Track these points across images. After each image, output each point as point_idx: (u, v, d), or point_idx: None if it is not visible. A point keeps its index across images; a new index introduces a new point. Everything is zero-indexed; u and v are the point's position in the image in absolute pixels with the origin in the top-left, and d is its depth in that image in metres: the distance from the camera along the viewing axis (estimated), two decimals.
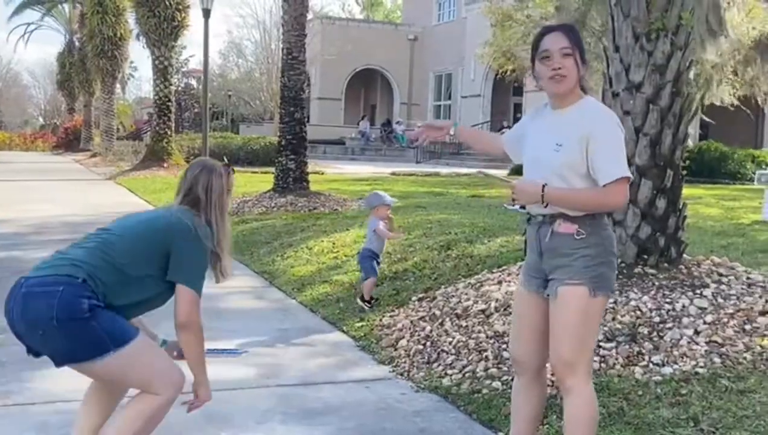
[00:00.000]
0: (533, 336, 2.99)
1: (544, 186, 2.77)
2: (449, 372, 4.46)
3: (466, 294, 5.52)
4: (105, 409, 2.97)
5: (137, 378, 2.80)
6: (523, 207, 2.93)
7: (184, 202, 3.01)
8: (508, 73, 20.38)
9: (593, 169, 2.77)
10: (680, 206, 5.34)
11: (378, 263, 6.08)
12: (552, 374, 4.02)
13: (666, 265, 5.17)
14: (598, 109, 2.89)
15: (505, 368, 4.25)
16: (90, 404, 2.99)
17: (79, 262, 2.75)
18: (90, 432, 2.94)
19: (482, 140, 3.34)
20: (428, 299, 5.76)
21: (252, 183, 16.11)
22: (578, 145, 2.76)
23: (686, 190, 5.79)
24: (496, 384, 4.15)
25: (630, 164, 3.13)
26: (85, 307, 2.65)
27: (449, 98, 41.64)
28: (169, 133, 23.70)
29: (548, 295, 2.86)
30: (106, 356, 2.68)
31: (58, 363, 2.73)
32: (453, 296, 5.60)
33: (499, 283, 5.57)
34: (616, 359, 4.17)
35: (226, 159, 3.19)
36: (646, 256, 5.16)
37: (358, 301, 5.96)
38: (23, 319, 2.67)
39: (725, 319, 4.49)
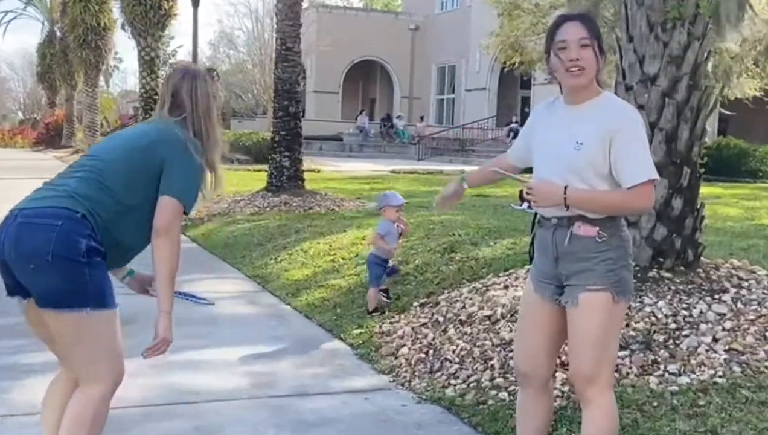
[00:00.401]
0: (542, 346, 2.97)
1: (565, 188, 2.76)
2: (453, 382, 4.46)
3: (471, 299, 5.52)
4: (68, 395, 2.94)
5: (92, 348, 2.78)
6: (530, 207, 2.92)
7: (167, 112, 2.97)
8: (516, 65, 20.36)
9: (617, 170, 2.76)
10: (698, 206, 5.34)
11: (386, 269, 6.02)
12: (562, 385, 4.02)
13: (682, 268, 5.17)
14: (621, 106, 2.88)
15: (512, 378, 4.25)
16: (55, 394, 2.98)
17: (78, 195, 2.75)
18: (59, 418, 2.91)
19: (490, 172, 3.28)
20: (430, 305, 5.76)
21: (244, 181, 16.12)
22: (600, 144, 2.75)
23: (704, 189, 5.78)
24: (503, 395, 4.15)
25: None
26: (83, 248, 2.68)
27: (453, 92, 41.66)
28: None
29: (566, 303, 2.85)
30: (82, 310, 2.69)
31: (42, 304, 2.73)
32: (457, 302, 5.60)
33: (506, 287, 5.57)
34: (630, 368, 4.17)
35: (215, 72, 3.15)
36: (661, 259, 5.16)
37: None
38: (16, 250, 2.67)
39: (745, 326, 4.49)
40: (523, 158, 3.09)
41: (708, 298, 4.78)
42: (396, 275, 6.18)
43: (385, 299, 5.95)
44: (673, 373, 4.10)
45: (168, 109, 2.97)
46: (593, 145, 2.76)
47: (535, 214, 3.00)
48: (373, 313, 5.84)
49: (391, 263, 6.10)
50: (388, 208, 6.01)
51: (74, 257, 2.67)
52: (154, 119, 3.01)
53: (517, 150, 3.14)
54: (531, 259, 3.06)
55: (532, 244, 3.05)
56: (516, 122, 34.43)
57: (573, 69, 2.78)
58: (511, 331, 4.76)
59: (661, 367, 4.16)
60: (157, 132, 2.90)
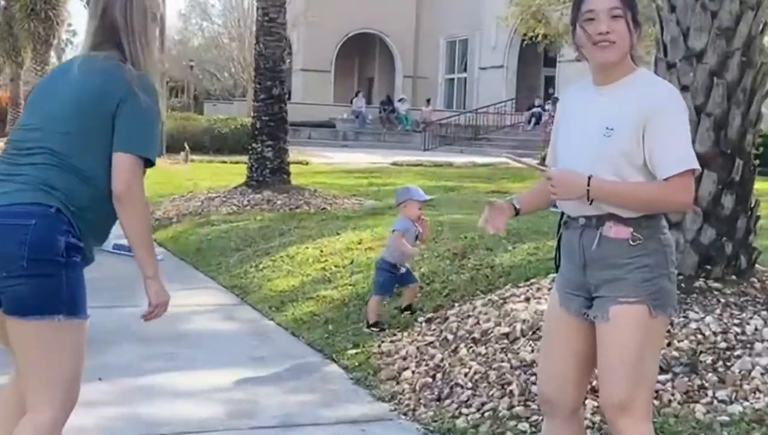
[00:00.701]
0: (570, 369, 2.98)
1: (589, 178, 2.76)
2: (465, 411, 4.46)
3: (486, 314, 5.53)
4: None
5: (55, 364, 2.80)
6: (555, 205, 2.92)
7: (97, 40, 2.94)
8: (539, 38, 20.42)
9: (651, 159, 2.77)
10: (752, 204, 5.34)
11: (395, 275, 6.01)
12: (593, 414, 4.02)
13: (734, 277, 5.17)
14: (658, 85, 2.89)
15: (534, 406, 4.25)
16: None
17: (46, 186, 2.77)
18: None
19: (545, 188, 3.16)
20: (438, 320, 5.77)
21: (219, 175, 16.14)
22: (634, 129, 2.76)
23: (759, 184, 5.79)
24: (523, 426, 4.16)
25: None
26: (61, 246, 2.73)
27: (464, 70, 41.70)
28: None
29: (594, 317, 2.85)
30: (53, 318, 2.74)
31: (10, 311, 2.76)
32: (469, 316, 5.60)
33: (527, 300, 5.58)
34: (673, 395, 4.17)
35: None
36: (709, 267, 5.16)
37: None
38: None
39: None
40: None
41: (764, 313, 4.78)
42: (413, 286, 6.15)
43: (373, 329, 5.90)
44: (722, 401, 4.10)
45: (94, 32, 2.95)
46: (626, 130, 2.77)
47: (562, 213, 3.00)
48: (373, 328, 5.85)
49: (403, 269, 6.09)
50: (410, 204, 6.01)
51: (52, 257, 2.72)
52: (83, 57, 2.96)
53: (555, 151, 3.09)
54: (557, 267, 3.06)
55: (558, 249, 3.05)
56: (539, 106, 34.46)
57: (602, 43, 2.78)
58: (533, 350, 4.76)
59: (709, 393, 4.17)
60: (99, 73, 2.88)
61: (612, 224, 2.81)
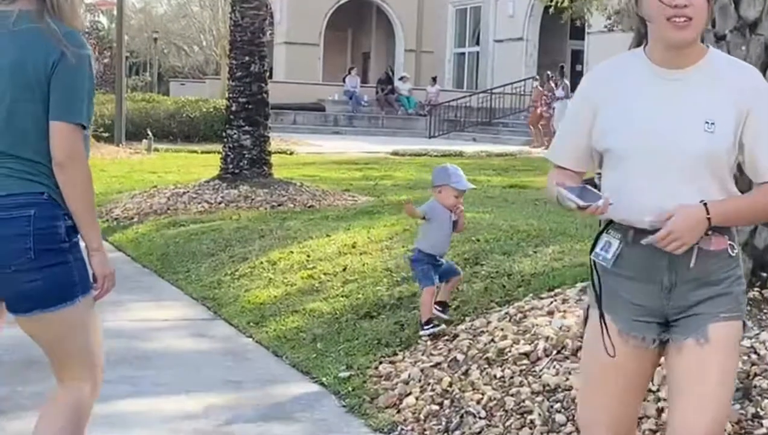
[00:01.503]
0: (633, 404, 2.95)
1: (706, 206, 2.67)
2: None
3: (502, 330, 5.53)
4: None
5: (84, 340, 3.17)
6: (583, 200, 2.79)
7: None
8: (564, 3, 20.36)
9: (751, 159, 2.74)
10: None
11: (437, 266, 5.99)
12: None
13: None
14: (743, 67, 2.87)
15: None
16: None
17: (30, 175, 3.00)
18: None
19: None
20: (446, 338, 5.77)
21: (189, 167, 16.14)
22: (735, 123, 2.73)
23: None
24: None
25: None
26: (62, 232, 3.04)
27: (477, 43, 41.69)
28: None
29: (684, 339, 2.76)
30: (75, 302, 3.08)
31: (25, 309, 3.04)
32: (483, 333, 5.60)
33: (550, 313, 5.58)
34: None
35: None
36: (764, 275, 5.16)
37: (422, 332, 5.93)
38: None
39: None
40: (586, 158, 2.94)
41: None
42: (455, 279, 6.12)
43: (442, 315, 5.91)
44: None
45: None
46: (728, 124, 2.72)
47: (609, 222, 2.86)
48: (426, 326, 5.80)
49: (442, 261, 6.07)
50: (446, 190, 5.95)
51: (57, 246, 3.02)
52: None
53: (576, 148, 2.95)
54: (599, 297, 2.85)
55: (595, 271, 2.88)
56: (554, 83, 34.42)
57: (676, 19, 2.68)
58: (557, 373, 4.76)
59: (765, 423, 4.17)
60: (21, 37, 2.97)
61: (712, 235, 2.76)
